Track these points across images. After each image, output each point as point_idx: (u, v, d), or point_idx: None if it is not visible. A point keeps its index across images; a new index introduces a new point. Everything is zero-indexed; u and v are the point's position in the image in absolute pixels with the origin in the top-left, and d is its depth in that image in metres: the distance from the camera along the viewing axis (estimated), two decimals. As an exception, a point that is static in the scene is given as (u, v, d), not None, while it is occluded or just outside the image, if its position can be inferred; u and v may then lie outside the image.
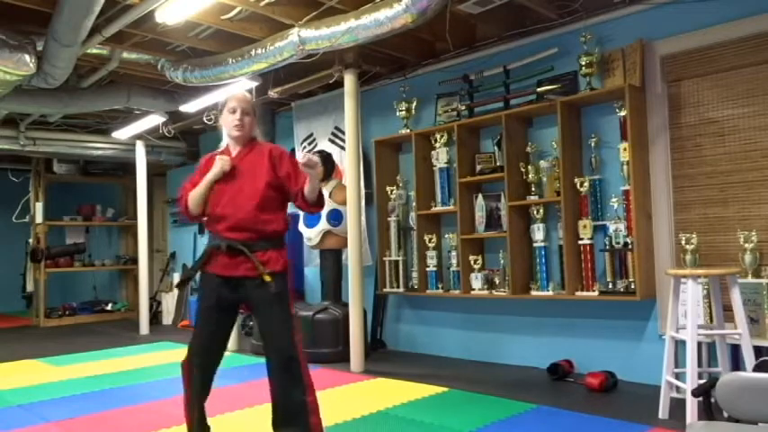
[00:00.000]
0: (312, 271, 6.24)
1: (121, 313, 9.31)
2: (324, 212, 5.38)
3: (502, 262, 4.71)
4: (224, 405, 3.76)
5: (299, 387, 2.63)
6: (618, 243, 4.05)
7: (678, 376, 3.32)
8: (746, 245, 3.58)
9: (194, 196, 2.71)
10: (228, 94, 2.82)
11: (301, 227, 5.61)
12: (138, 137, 7.51)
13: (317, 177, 2.62)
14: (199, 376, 2.71)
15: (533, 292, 4.48)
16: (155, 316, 8.40)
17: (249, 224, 2.64)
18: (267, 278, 2.58)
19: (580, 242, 4.24)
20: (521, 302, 4.73)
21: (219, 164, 2.68)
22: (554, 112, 4.33)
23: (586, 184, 4.27)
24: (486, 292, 4.75)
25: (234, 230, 2.65)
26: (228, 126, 2.73)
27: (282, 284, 2.64)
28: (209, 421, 2.84)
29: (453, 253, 5.03)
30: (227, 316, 2.75)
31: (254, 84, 5.58)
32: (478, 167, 4.87)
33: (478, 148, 5.05)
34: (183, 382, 2.74)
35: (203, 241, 8.13)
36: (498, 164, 4.76)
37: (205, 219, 2.77)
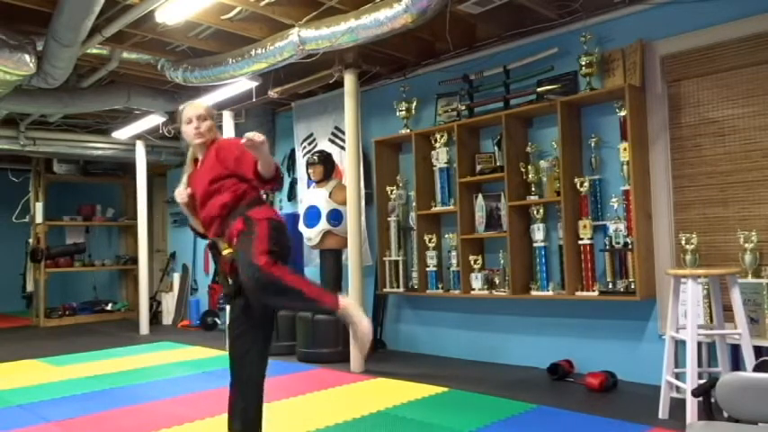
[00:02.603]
0: (312, 271, 6.23)
1: (121, 313, 9.31)
2: (324, 212, 5.38)
3: (502, 262, 4.71)
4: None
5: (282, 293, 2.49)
6: (618, 243, 4.05)
7: (678, 376, 3.32)
8: (746, 245, 3.58)
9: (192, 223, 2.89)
10: (182, 107, 2.89)
11: (301, 227, 5.61)
12: (138, 137, 7.52)
13: (265, 153, 2.52)
14: None
15: (533, 292, 4.48)
16: (155, 316, 8.40)
17: (209, 215, 2.72)
18: (226, 251, 2.65)
19: (580, 242, 4.24)
20: (521, 302, 4.73)
21: (178, 199, 2.81)
22: (554, 112, 4.33)
23: (586, 184, 4.27)
24: (486, 292, 4.74)
25: (209, 230, 2.76)
26: (189, 136, 2.79)
27: (245, 236, 2.57)
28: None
29: (453, 253, 5.03)
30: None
31: (254, 84, 5.59)
32: (478, 167, 4.87)
33: (478, 148, 5.05)
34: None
35: (203, 241, 8.11)
36: (498, 164, 4.76)
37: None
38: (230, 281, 2.69)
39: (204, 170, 2.75)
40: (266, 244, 2.51)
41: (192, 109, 2.80)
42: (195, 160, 2.85)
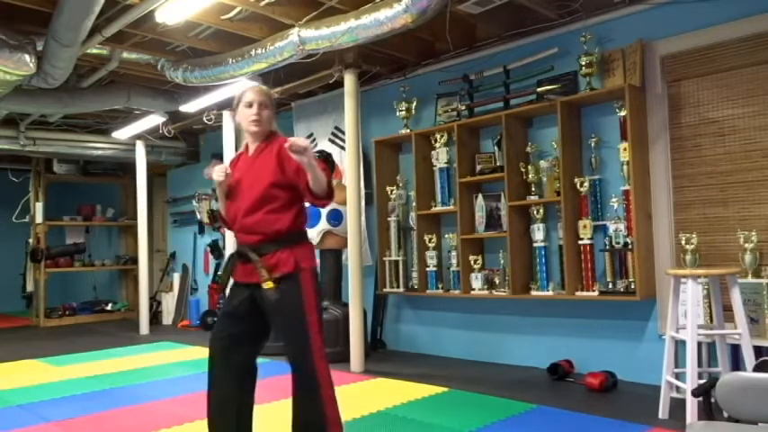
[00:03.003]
0: (312, 271, 6.23)
1: (121, 313, 9.31)
2: (324, 212, 5.38)
3: (502, 262, 4.71)
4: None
5: (315, 402, 2.48)
6: (618, 243, 4.05)
7: (678, 376, 3.32)
8: (746, 245, 3.58)
9: (219, 206, 2.68)
10: (244, 86, 2.66)
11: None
12: (138, 137, 7.51)
13: (311, 164, 2.34)
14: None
15: (533, 292, 4.48)
16: (155, 316, 8.40)
17: (255, 226, 2.50)
18: (267, 285, 2.42)
19: (580, 242, 4.24)
20: (521, 302, 4.73)
21: (215, 175, 2.55)
22: (554, 112, 4.33)
23: (586, 184, 4.27)
24: (486, 292, 4.74)
25: (244, 233, 2.55)
26: (245, 121, 2.56)
27: (292, 287, 2.45)
28: None
29: (453, 253, 5.03)
30: (242, 323, 2.58)
31: (254, 84, 5.58)
32: (478, 167, 4.87)
33: (478, 148, 5.05)
34: None
35: (203, 241, 8.14)
36: (498, 164, 4.76)
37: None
38: (242, 298, 2.54)
39: (261, 167, 2.52)
40: (317, 323, 2.51)
41: (255, 93, 2.56)
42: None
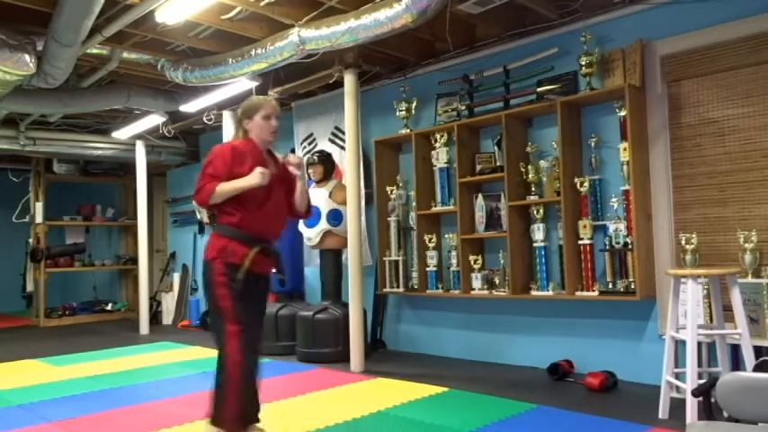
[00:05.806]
0: (312, 271, 6.23)
1: (121, 313, 9.31)
2: (324, 212, 5.38)
3: (502, 262, 4.71)
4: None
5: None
6: (618, 243, 4.05)
7: (678, 376, 3.32)
8: (746, 245, 3.58)
9: (223, 192, 2.73)
10: (258, 99, 2.95)
11: (301, 227, 5.60)
12: (138, 137, 7.52)
13: (303, 178, 2.95)
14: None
15: (533, 292, 4.48)
16: (155, 316, 8.41)
17: (281, 229, 2.98)
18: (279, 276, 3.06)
19: (580, 242, 4.24)
20: (521, 302, 4.73)
21: (259, 177, 2.70)
22: (554, 112, 4.34)
23: (586, 184, 4.27)
24: (486, 292, 4.75)
25: (269, 233, 2.89)
26: (265, 132, 2.85)
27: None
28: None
29: (453, 253, 5.03)
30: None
31: (254, 84, 5.59)
32: (478, 167, 4.87)
33: (478, 148, 5.05)
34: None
35: (203, 241, 8.13)
36: (498, 164, 4.76)
37: (232, 213, 2.79)
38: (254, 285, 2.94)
39: (281, 179, 2.91)
40: None
41: (272, 107, 2.88)
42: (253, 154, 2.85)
